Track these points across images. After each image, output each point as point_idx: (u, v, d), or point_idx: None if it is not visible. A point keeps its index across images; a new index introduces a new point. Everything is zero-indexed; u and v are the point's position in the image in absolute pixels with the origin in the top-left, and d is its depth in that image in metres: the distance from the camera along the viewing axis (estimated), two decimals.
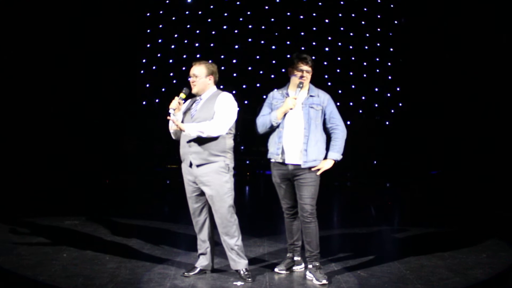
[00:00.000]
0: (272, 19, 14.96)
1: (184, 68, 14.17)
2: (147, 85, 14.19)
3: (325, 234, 6.06)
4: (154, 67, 14.39)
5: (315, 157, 4.41)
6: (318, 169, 4.43)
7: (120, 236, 5.86)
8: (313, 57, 4.64)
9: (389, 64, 14.70)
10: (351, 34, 14.83)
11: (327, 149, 4.50)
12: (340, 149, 4.49)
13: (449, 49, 11.86)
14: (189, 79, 4.51)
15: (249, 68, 14.99)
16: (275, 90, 4.61)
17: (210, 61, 4.65)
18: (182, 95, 4.45)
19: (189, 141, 4.35)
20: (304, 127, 4.40)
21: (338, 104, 4.79)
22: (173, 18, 14.51)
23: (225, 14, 14.77)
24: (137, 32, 13.34)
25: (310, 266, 4.49)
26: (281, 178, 4.50)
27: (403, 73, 14.00)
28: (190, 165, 4.35)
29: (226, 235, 4.36)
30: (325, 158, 4.48)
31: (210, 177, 4.28)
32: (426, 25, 12.54)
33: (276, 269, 4.65)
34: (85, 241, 5.64)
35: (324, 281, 4.33)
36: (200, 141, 4.30)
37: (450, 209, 8.55)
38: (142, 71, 14.10)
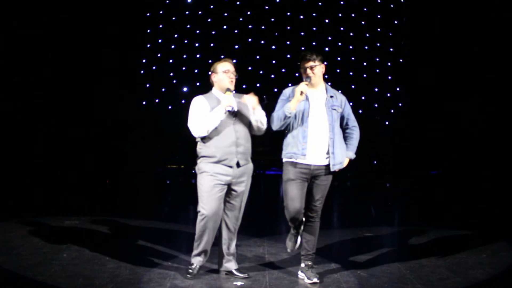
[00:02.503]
0: (272, 19, 14.96)
1: (184, 68, 14.17)
2: (147, 85, 14.18)
3: (325, 234, 6.07)
4: (154, 67, 14.38)
5: (341, 159, 4.45)
6: (337, 170, 4.48)
7: (120, 236, 5.87)
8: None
9: (389, 64, 14.70)
10: (351, 34, 14.83)
11: None
12: (355, 148, 4.59)
13: (449, 49, 11.86)
14: (227, 74, 4.41)
15: (249, 68, 14.99)
16: (291, 86, 4.53)
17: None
18: (229, 93, 4.41)
19: (236, 141, 4.33)
20: (329, 129, 4.37)
21: None
22: (173, 18, 14.51)
23: (225, 14, 14.77)
24: (137, 32, 13.33)
25: (302, 265, 4.50)
26: (298, 176, 4.33)
27: (403, 73, 14.00)
28: (238, 165, 4.33)
29: (235, 233, 4.52)
30: None
31: (246, 177, 4.44)
32: (426, 25, 12.54)
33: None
34: (85, 241, 5.64)
35: (315, 280, 4.33)
36: (246, 142, 4.40)
37: (450, 209, 8.55)
38: (142, 71, 14.10)
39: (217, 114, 4.27)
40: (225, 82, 4.41)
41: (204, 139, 4.33)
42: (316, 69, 4.42)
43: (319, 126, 4.36)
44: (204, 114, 4.30)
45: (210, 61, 4.63)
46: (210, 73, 4.51)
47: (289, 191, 4.35)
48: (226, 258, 4.52)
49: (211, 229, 4.34)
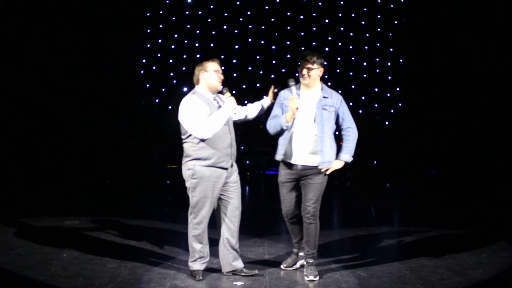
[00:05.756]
0: (272, 19, 14.95)
1: (184, 68, 14.17)
2: (147, 85, 14.18)
3: (325, 234, 6.07)
4: (154, 67, 14.38)
5: (330, 158, 4.43)
6: (327, 169, 4.44)
7: (120, 236, 5.86)
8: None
9: (389, 64, 14.70)
10: (351, 34, 14.83)
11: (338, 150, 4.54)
12: (351, 151, 4.54)
13: (449, 49, 11.85)
14: (217, 74, 4.46)
15: (249, 68, 14.99)
16: (286, 89, 4.58)
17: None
18: (230, 95, 4.46)
19: (231, 143, 4.42)
20: (317, 128, 4.39)
21: None
22: (173, 18, 14.50)
23: (225, 14, 14.77)
24: (137, 32, 13.33)
25: (304, 262, 4.53)
26: (286, 177, 4.51)
27: (403, 73, 13.99)
28: (231, 166, 4.44)
29: (237, 230, 4.49)
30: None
31: (236, 172, 4.51)
32: (426, 25, 12.53)
33: (282, 266, 4.68)
34: (85, 241, 5.64)
35: (312, 277, 4.39)
36: (236, 143, 4.49)
37: (450, 209, 8.55)
38: (142, 71, 14.09)
39: (224, 116, 4.30)
40: (215, 81, 4.45)
41: (200, 140, 4.29)
42: (313, 72, 4.45)
43: (308, 126, 4.42)
44: (205, 115, 4.28)
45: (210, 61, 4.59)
46: (198, 70, 4.45)
47: (280, 192, 4.59)
48: (232, 256, 4.46)
49: (205, 233, 4.42)
